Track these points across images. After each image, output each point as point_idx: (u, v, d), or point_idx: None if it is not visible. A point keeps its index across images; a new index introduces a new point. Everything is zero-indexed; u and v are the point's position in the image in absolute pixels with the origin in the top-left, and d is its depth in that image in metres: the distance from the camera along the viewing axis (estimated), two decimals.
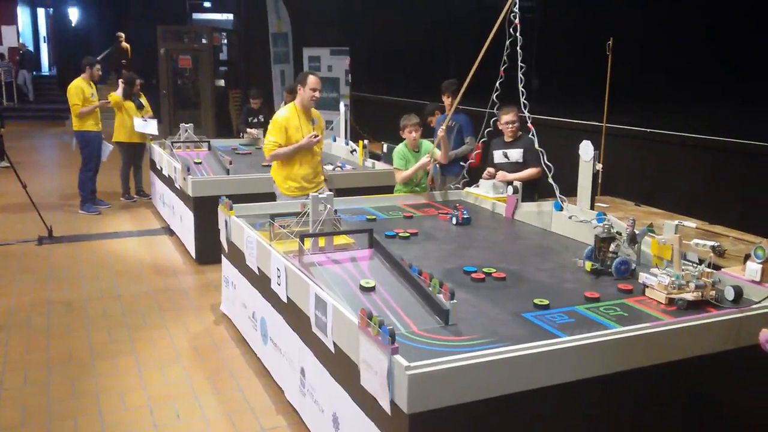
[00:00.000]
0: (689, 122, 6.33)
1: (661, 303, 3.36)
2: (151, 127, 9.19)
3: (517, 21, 4.84)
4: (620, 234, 3.97)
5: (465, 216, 5.04)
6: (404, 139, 5.91)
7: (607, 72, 6.50)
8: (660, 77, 6.73)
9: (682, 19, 6.51)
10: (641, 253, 4.00)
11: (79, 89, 8.53)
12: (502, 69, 5.10)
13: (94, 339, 5.07)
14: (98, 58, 9.94)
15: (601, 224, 3.98)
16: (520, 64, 4.83)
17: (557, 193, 4.72)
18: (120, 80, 9.44)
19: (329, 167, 7.18)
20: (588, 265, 3.88)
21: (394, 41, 12.10)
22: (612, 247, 3.88)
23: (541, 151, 4.77)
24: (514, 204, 5.25)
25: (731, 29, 6.01)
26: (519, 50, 4.86)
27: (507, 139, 5.97)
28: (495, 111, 5.54)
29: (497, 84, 5.18)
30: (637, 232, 3.98)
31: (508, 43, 4.92)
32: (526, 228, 5.01)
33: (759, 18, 5.77)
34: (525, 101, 4.86)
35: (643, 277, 3.53)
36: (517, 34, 4.85)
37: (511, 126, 5.86)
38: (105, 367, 4.63)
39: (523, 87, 4.84)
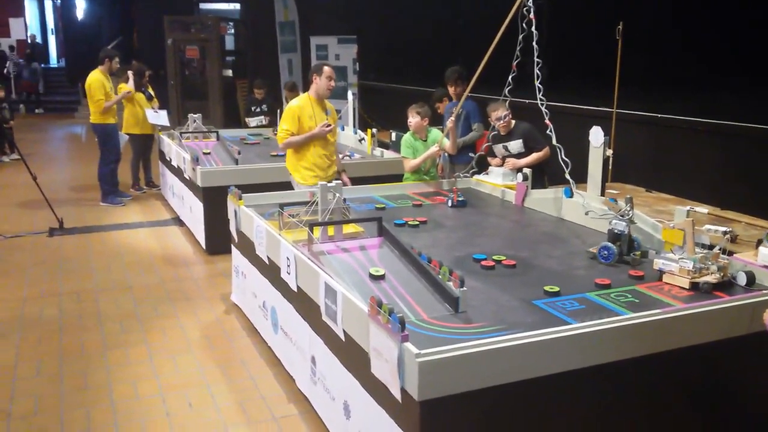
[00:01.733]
0: (700, 107, 6.27)
1: (684, 288, 3.35)
2: (162, 118, 9.23)
3: (531, 15, 4.71)
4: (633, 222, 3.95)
5: (460, 199, 5.13)
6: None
7: (617, 57, 6.45)
8: (670, 62, 6.66)
9: (693, 3, 6.43)
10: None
11: (101, 83, 8.57)
12: (515, 63, 5.04)
13: (105, 329, 5.10)
14: (108, 47, 9.96)
15: (622, 218, 3.91)
16: (536, 60, 4.71)
17: (573, 188, 4.66)
18: (129, 72, 9.45)
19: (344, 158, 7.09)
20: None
21: (402, 29, 12.03)
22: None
23: (558, 147, 4.63)
24: (524, 191, 5.23)
25: (742, 13, 5.94)
26: (535, 46, 4.71)
27: (502, 133, 5.94)
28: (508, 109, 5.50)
29: (509, 79, 5.12)
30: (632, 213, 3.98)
31: (521, 38, 4.83)
32: (536, 215, 4.99)
33: None
34: (542, 98, 4.75)
35: (659, 263, 3.50)
36: (533, 28, 4.74)
37: (502, 121, 5.83)
38: (117, 357, 4.66)
39: (539, 83, 4.74)
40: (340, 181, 4.56)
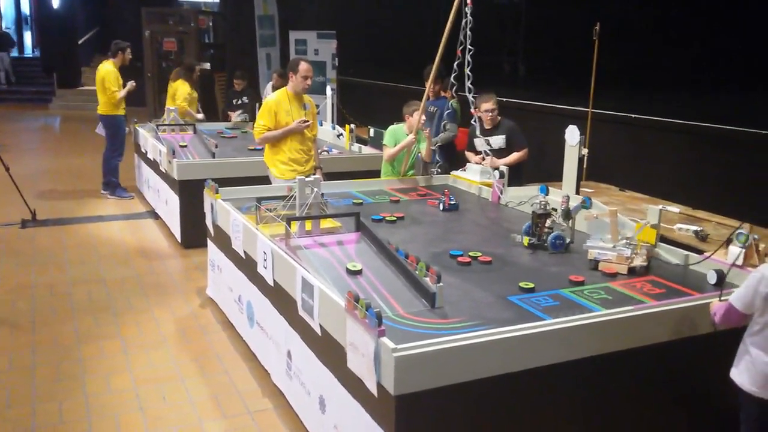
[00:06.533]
0: (674, 108, 6.36)
1: (623, 273, 3.59)
2: (200, 114, 9.25)
3: (469, 14, 5.02)
4: (555, 210, 4.15)
5: (452, 202, 5.04)
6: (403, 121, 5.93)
7: (594, 57, 6.52)
8: (646, 63, 6.75)
9: (669, 4, 6.52)
10: (575, 227, 4.19)
11: (115, 74, 8.49)
12: (459, 49, 5.16)
13: (79, 322, 5.05)
14: (84, 39, 9.87)
15: (537, 201, 4.17)
16: (468, 46, 5.01)
17: (501, 189, 5.10)
18: (178, 69, 9.40)
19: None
20: (525, 240, 4.09)
21: (381, 25, 12.05)
22: (548, 222, 4.09)
23: (486, 139, 4.98)
24: (501, 188, 5.27)
25: (717, 16, 6.03)
26: (469, 32, 5.01)
27: (486, 126, 5.98)
28: (454, 93, 5.58)
29: (455, 65, 5.23)
30: (571, 208, 4.14)
31: (464, 22, 5.02)
32: (512, 212, 5.03)
33: (745, 5, 5.80)
34: (470, 85, 5.08)
35: (594, 253, 3.70)
36: (468, 13, 5.00)
37: (490, 114, 5.88)
38: (90, 350, 4.62)
39: (469, 70, 5.06)
40: (318, 176, 4.56)
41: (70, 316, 5.15)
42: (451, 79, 5.36)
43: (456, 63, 5.23)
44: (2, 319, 5.09)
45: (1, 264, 6.29)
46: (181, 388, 4.15)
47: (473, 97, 5.24)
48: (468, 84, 5.03)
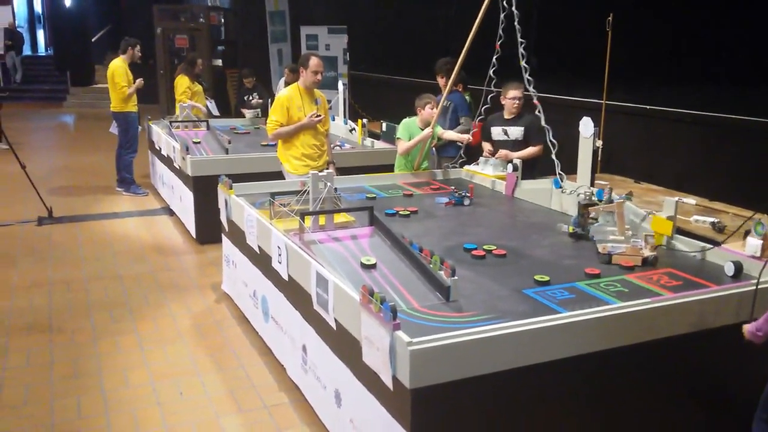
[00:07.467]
0: (689, 99, 6.30)
1: (638, 265, 3.58)
2: (212, 107, 9.23)
3: (513, 8, 4.84)
4: (601, 201, 4.13)
5: (466, 195, 5.02)
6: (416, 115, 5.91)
7: (607, 49, 6.46)
8: (660, 54, 6.69)
9: None
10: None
11: (124, 70, 8.53)
12: (498, 43, 5.09)
13: (95, 318, 5.09)
14: (97, 37, 9.92)
15: (583, 192, 4.19)
16: (519, 39, 4.81)
17: (557, 169, 4.77)
18: (181, 64, 9.42)
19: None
20: (570, 228, 4.11)
21: (393, 19, 12.01)
22: (593, 213, 4.08)
23: (547, 128, 4.85)
24: (514, 182, 5.25)
25: (731, 6, 5.96)
26: (517, 25, 4.83)
27: (507, 115, 5.92)
28: (492, 88, 5.51)
29: (494, 59, 5.17)
30: (615, 198, 4.11)
31: (503, 16, 4.93)
32: (525, 205, 5.01)
33: None
34: (529, 77, 4.86)
35: (607, 248, 3.69)
36: (513, 7, 4.84)
37: (517, 102, 5.80)
38: (107, 345, 4.65)
39: (525, 63, 4.85)
40: (331, 171, 4.56)
41: (86, 313, 5.19)
42: (490, 72, 5.31)
43: (495, 57, 5.18)
44: (20, 316, 5.13)
45: (19, 261, 6.34)
46: (198, 383, 4.17)
47: (533, 88, 5.05)
48: (526, 76, 4.92)
